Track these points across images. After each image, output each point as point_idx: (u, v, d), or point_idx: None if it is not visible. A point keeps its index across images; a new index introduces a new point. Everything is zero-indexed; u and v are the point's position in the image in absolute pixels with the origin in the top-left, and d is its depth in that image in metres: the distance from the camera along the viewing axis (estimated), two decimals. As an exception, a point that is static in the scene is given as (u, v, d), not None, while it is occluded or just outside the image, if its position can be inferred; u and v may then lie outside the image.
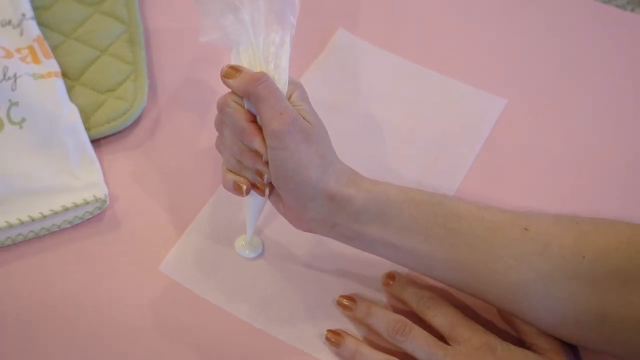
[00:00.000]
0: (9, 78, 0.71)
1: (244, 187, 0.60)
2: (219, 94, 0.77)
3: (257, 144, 0.58)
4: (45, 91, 0.72)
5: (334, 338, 0.62)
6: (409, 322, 0.60)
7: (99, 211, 0.68)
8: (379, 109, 0.76)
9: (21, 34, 0.76)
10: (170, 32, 0.81)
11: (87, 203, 0.67)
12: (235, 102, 0.59)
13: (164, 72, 0.78)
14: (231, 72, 0.59)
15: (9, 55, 0.73)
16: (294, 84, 0.61)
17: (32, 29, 0.76)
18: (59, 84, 0.73)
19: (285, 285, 0.66)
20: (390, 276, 0.64)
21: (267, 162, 0.59)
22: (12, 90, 0.71)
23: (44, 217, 0.66)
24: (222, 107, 0.60)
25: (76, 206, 0.67)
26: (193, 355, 0.62)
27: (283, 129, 0.57)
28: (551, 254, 0.56)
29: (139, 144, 0.73)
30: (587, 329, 0.56)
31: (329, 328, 0.63)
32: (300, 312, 0.64)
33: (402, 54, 0.80)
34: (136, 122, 0.74)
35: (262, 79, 0.58)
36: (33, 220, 0.66)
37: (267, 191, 0.61)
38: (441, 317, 0.60)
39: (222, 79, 0.59)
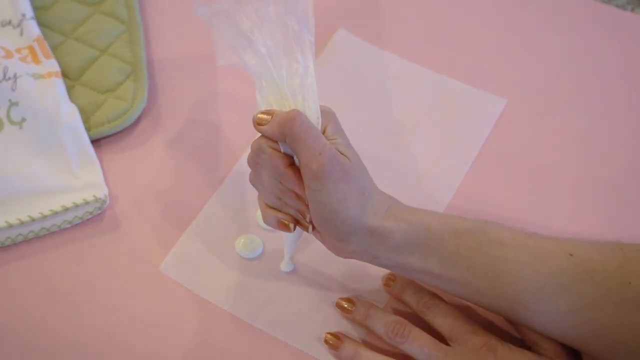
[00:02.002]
0: (9, 78, 0.71)
1: (291, 225, 0.59)
2: (218, 94, 0.77)
3: (299, 189, 0.57)
4: (45, 91, 0.72)
5: (333, 341, 0.62)
6: (408, 324, 0.60)
7: (99, 211, 0.68)
8: (378, 109, 0.76)
9: (21, 34, 0.76)
10: (170, 32, 0.81)
11: (87, 203, 0.67)
12: (270, 146, 0.58)
13: (164, 72, 0.78)
14: (263, 118, 0.57)
15: (9, 55, 0.73)
16: (327, 115, 0.59)
17: (32, 29, 0.76)
18: (59, 84, 0.73)
19: (285, 286, 0.66)
20: (391, 277, 0.64)
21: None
22: (12, 90, 0.71)
23: (44, 217, 0.66)
24: (257, 152, 0.58)
25: (76, 206, 0.67)
26: (193, 355, 0.62)
27: (322, 170, 0.55)
28: (597, 281, 0.55)
29: (139, 144, 0.73)
30: (637, 357, 0.55)
31: (329, 329, 0.63)
32: (300, 312, 0.64)
33: (402, 54, 0.80)
34: (136, 122, 0.74)
35: (295, 118, 0.55)
36: (33, 220, 0.66)
37: (310, 228, 0.59)
38: (441, 317, 0.60)
39: (255, 127, 0.58)
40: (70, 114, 0.71)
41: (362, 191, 0.58)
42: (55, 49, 0.77)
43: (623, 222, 0.70)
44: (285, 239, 0.64)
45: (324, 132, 0.58)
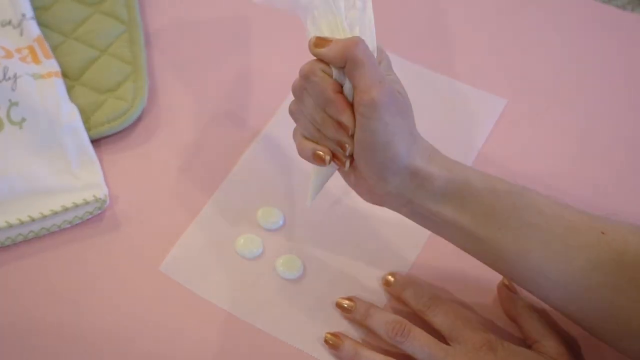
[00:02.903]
0: (9, 78, 0.71)
1: (327, 158, 0.57)
2: (218, 95, 0.77)
3: (346, 117, 0.56)
4: (45, 91, 0.72)
5: (333, 341, 0.62)
6: (408, 323, 0.60)
7: (99, 211, 0.68)
8: (379, 109, 0.76)
9: (21, 34, 0.76)
10: (170, 32, 0.81)
11: (87, 203, 0.67)
12: (323, 70, 0.56)
13: (164, 72, 0.78)
14: (321, 42, 0.56)
15: (9, 55, 0.73)
16: (381, 51, 0.58)
17: (32, 29, 0.76)
18: (59, 84, 0.73)
19: (285, 285, 0.66)
20: (391, 276, 0.64)
21: (352, 135, 0.56)
22: (12, 90, 0.71)
23: (44, 217, 0.66)
24: (307, 75, 0.57)
25: (76, 206, 0.67)
26: (193, 355, 0.62)
27: (383, 100, 0.54)
28: (626, 263, 0.54)
29: (139, 144, 0.73)
30: None
31: (329, 329, 0.63)
32: (300, 312, 0.64)
33: (402, 54, 0.80)
34: (136, 122, 0.74)
35: (359, 43, 0.54)
36: (33, 220, 0.66)
37: (347, 163, 0.58)
38: (441, 316, 0.60)
39: (311, 50, 0.56)
40: (70, 114, 0.71)
41: (411, 131, 0.57)
42: (55, 49, 0.77)
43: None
44: (314, 176, 0.62)
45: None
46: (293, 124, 0.74)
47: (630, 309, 0.54)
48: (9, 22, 0.77)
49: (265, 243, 0.68)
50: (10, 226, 0.66)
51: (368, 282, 0.66)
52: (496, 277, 0.63)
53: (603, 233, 0.56)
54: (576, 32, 0.82)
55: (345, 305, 0.63)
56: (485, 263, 0.59)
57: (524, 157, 0.74)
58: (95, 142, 0.72)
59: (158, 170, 0.72)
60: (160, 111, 0.76)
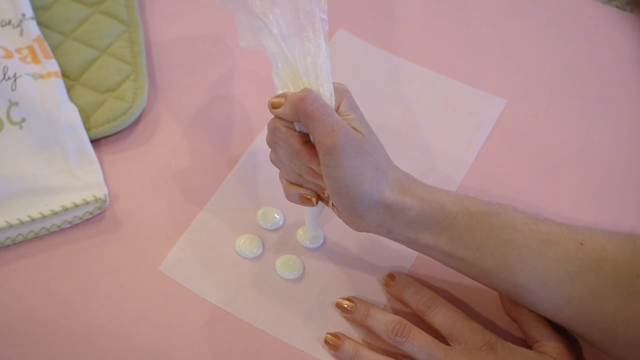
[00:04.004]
0: (9, 78, 0.71)
1: (314, 199, 0.61)
2: (218, 95, 0.77)
3: (315, 165, 0.59)
4: (45, 91, 0.72)
5: (333, 341, 0.62)
6: (408, 323, 0.60)
7: (99, 211, 0.68)
8: (378, 109, 0.76)
9: (21, 34, 0.76)
10: (170, 32, 0.81)
11: (87, 203, 0.67)
12: (285, 126, 0.59)
13: (164, 72, 0.78)
14: (277, 102, 0.59)
15: (9, 55, 0.73)
16: (341, 91, 0.60)
17: (32, 29, 0.76)
18: (59, 84, 0.73)
19: (285, 286, 0.66)
20: (391, 277, 0.64)
21: None
22: (12, 90, 0.71)
23: (44, 217, 0.66)
24: (273, 132, 0.60)
25: (76, 206, 0.67)
26: (193, 355, 0.62)
27: (336, 146, 0.56)
28: (605, 272, 0.55)
29: (139, 144, 0.73)
30: (638, 348, 0.55)
31: (329, 329, 0.63)
32: (300, 312, 0.64)
33: (402, 54, 0.80)
34: (136, 122, 0.74)
35: (306, 97, 0.57)
36: (33, 220, 0.66)
37: (330, 202, 0.61)
38: (441, 316, 0.60)
39: (270, 110, 0.59)
40: (70, 114, 0.71)
41: (377, 166, 0.58)
42: (55, 49, 0.77)
43: (622, 222, 0.70)
44: (306, 215, 0.65)
45: (337, 109, 0.59)
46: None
47: (614, 316, 0.55)
48: (9, 22, 0.77)
49: (265, 243, 0.68)
50: (10, 226, 0.66)
51: (368, 282, 0.66)
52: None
53: (582, 244, 0.57)
54: (576, 32, 0.82)
55: (345, 306, 0.63)
56: (473, 279, 0.61)
57: (523, 157, 0.73)
58: (95, 142, 0.72)
59: (158, 170, 0.72)
60: (160, 111, 0.76)
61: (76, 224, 0.68)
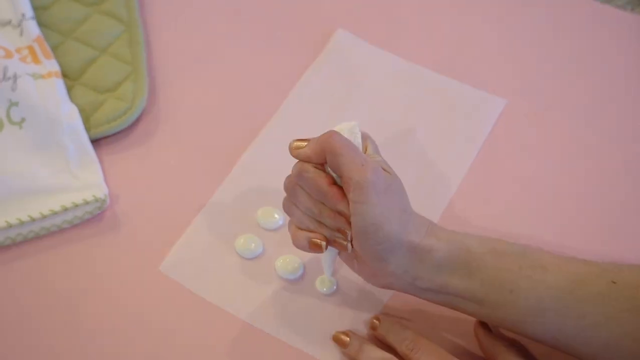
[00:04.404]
0: (9, 78, 0.71)
1: (323, 244, 0.59)
2: (218, 94, 0.77)
3: (343, 206, 0.57)
4: (45, 91, 0.72)
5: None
6: None
7: (99, 211, 0.68)
8: (378, 109, 0.76)
9: (21, 34, 0.76)
10: (170, 32, 0.81)
11: (86, 203, 0.67)
12: (314, 166, 0.59)
13: (164, 72, 0.78)
14: (299, 143, 0.59)
15: (9, 55, 0.73)
16: (365, 138, 0.61)
17: (32, 29, 0.76)
18: (59, 84, 0.73)
19: (285, 286, 0.66)
20: (377, 318, 0.64)
21: (349, 222, 0.57)
22: (12, 90, 0.71)
23: (44, 217, 0.66)
24: (300, 173, 0.59)
25: (76, 206, 0.67)
26: (193, 355, 0.62)
27: (367, 180, 0.55)
28: None
29: (139, 144, 0.73)
30: None
31: (328, 329, 0.63)
32: (300, 312, 0.64)
33: (402, 54, 0.80)
34: (136, 122, 0.74)
35: (333, 134, 0.57)
36: (33, 220, 0.66)
37: (349, 246, 0.59)
38: (425, 357, 0.59)
39: (292, 153, 0.59)
40: (70, 114, 0.71)
41: (404, 208, 0.58)
42: (55, 49, 0.77)
43: (622, 221, 0.70)
44: (323, 262, 0.63)
45: (365, 151, 0.59)
46: (293, 123, 0.74)
47: None
48: (9, 22, 0.77)
49: (265, 243, 0.68)
50: (10, 226, 0.66)
51: (367, 282, 0.66)
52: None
53: (614, 282, 0.55)
54: (576, 32, 0.82)
55: (342, 339, 0.62)
56: (502, 327, 0.60)
57: (523, 157, 0.74)
58: (95, 142, 0.72)
59: (158, 170, 0.72)
60: (160, 111, 0.76)
61: (76, 224, 0.68)
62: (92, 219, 0.68)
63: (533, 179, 0.72)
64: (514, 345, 0.60)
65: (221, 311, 0.64)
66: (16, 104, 0.71)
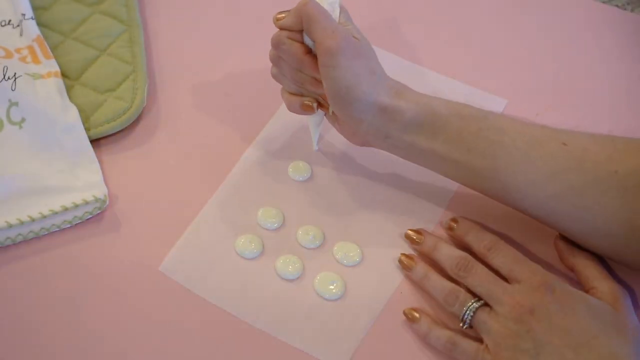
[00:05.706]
0: (9, 78, 0.71)
1: (314, 105, 0.66)
2: (218, 94, 0.77)
3: (317, 73, 0.63)
4: (45, 91, 0.72)
5: (407, 261, 0.65)
6: (472, 259, 0.62)
7: (99, 211, 0.68)
8: (379, 109, 0.76)
9: (21, 34, 0.76)
10: (170, 32, 0.81)
11: (86, 203, 0.67)
12: (288, 37, 0.63)
13: (164, 72, 0.78)
14: (281, 15, 0.64)
15: (8, 55, 0.73)
16: (338, 7, 0.64)
17: (32, 29, 0.76)
18: (59, 84, 0.73)
19: (285, 286, 0.66)
20: (454, 220, 0.67)
21: None
22: (12, 90, 0.71)
23: (44, 217, 0.66)
24: (277, 45, 0.64)
25: (76, 206, 0.67)
26: (193, 355, 0.62)
27: (337, 46, 0.60)
28: (586, 169, 0.59)
29: (139, 144, 0.73)
30: (615, 239, 0.60)
31: (328, 329, 0.63)
32: (300, 312, 0.64)
33: (402, 54, 0.80)
34: (136, 122, 0.74)
35: (308, 2, 0.61)
36: (33, 220, 0.66)
37: (330, 109, 0.65)
38: (501, 258, 0.62)
39: (275, 24, 0.64)
40: (70, 114, 0.71)
41: (373, 70, 0.63)
42: (54, 49, 0.77)
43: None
44: (310, 125, 0.70)
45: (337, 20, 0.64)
46: (293, 125, 0.74)
47: (594, 209, 0.59)
48: (9, 22, 0.77)
49: (265, 243, 0.68)
50: (10, 226, 0.66)
51: (369, 283, 0.66)
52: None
53: (564, 144, 0.60)
54: (576, 32, 0.82)
55: (414, 237, 0.66)
56: (465, 184, 0.65)
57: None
58: (95, 142, 0.72)
59: (158, 170, 0.72)
60: (160, 111, 0.76)
61: (76, 224, 0.68)
62: (92, 219, 0.68)
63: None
64: (592, 255, 0.63)
65: (221, 311, 0.64)
66: (16, 104, 0.71)
